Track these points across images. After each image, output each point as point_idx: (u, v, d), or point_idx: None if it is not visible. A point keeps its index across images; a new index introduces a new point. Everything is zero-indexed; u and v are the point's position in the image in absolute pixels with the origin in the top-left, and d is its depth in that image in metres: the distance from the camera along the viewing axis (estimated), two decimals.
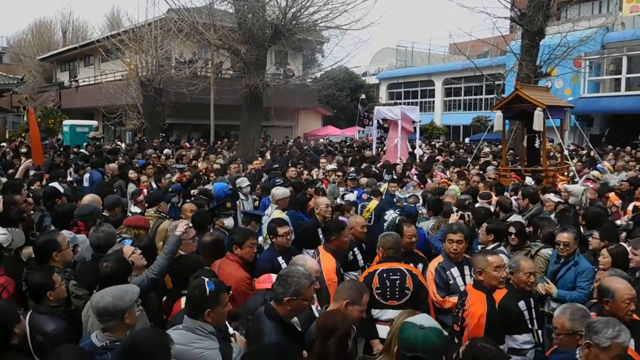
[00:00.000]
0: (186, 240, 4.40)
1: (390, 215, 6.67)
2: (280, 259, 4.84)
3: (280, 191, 6.97)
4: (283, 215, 6.51)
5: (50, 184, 7.71)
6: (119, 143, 21.58)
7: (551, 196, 7.53)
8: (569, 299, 4.63)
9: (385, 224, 6.49)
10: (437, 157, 15.72)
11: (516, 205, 7.53)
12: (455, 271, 4.65)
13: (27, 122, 26.08)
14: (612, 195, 7.80)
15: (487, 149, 18.76)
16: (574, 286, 4.78)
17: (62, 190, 7.15)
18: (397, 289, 4.30)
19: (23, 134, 27.40)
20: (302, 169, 11.50)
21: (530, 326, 4.25)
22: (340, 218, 6.50)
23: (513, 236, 5.54)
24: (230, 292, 3.26)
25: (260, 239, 6.31)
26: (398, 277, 4.34)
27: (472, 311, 3.69)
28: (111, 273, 3.55)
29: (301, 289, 3.20)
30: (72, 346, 2.93)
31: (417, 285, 4.34)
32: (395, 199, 7.65)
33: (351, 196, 7.74)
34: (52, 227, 5.17)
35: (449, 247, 4.71)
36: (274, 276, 3.97)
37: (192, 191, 8.25)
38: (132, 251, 4.10)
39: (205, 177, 10.13)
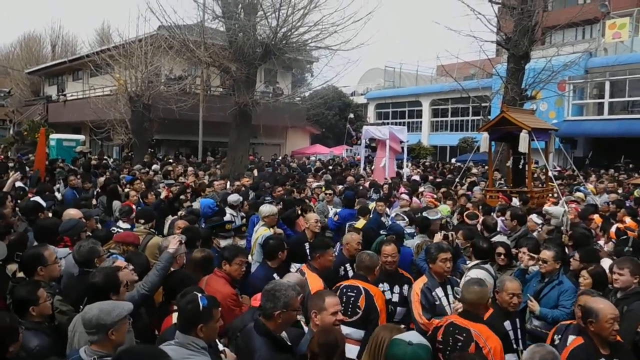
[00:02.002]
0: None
1: None
2: (275, 275, 4.87)
3: (268, 208, 7.00)
4: (269, 232, 6.53)
5: (33, 199, 7.66)
6: (106, 158, 21.46)
7: (534, 217, 7.65)
8: (551, 317, 4.69)
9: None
10: (429, 177, 15.88)
11: (502, 226, 7.63)
12: (440, 291, 4.65)
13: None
14: (596, 217, 7.94)
15: (475, 170, 18.97)
16: (557, 305, 4.83)
17: (44, 204, 7.10)
18: (350, 306, 4.35)
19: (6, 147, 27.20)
20: (290, 187, 11.53)
21: (515, 346, 4.30)
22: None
23: (502, 256, 5.60)
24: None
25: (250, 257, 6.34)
26: (354, 294, 4.40)
27: (493, 347, 3.58)
28: (98, 286, 3.52)
29: (290, 300, 3.28)
30: None
31: (369, 306, 4.34)
32: (383, 219, 7.71)
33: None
34: (35, 242, 5.11)
35: (443, 267, 4.69)
36: None
37: (180, 212, 8.23)
38: (124, 266, 4.08)
39: (192, 194, 10.09)
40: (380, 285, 4.93)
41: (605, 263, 5.82)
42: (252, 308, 3.91)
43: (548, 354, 3.14)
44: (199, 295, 3.12)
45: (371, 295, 4.42)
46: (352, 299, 4.39)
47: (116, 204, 8.89)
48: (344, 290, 4.49)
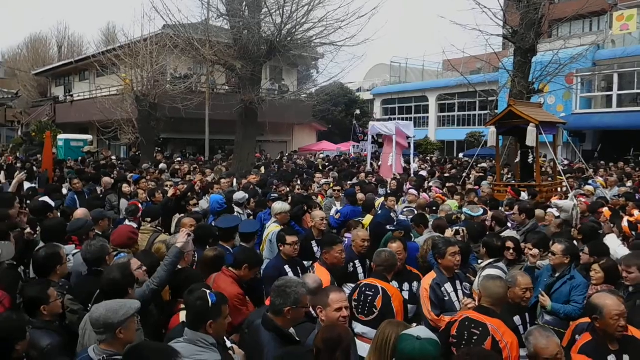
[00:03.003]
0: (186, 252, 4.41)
1: None
2: (287, 267, 4.93)
3: (280, 206, 7.01)
4: (279, 229, 6.52)
5: (41, 199, 7.70)
6: (112, 158, 21.56)
7: (553, 211, 7.61)
8: (563, 312, 4.65)
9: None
10: (436, 172, 15.84)
11: (510, 221, 7.59)
12: (449, 287, 4.60)
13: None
14: (605, 210, 7.86)
15: (485, 164, 18.88)
16: (569, 300, 4.79)
17: (53, 204, 7.13)
18: (367, 305, 4.31)
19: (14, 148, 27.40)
20: (297, 183, 11.53)
21: (525, 341, 4.27)
22: (347, 235, 6.52)
23: (512, 251, 5.57)
24: None
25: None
26: (371, 294, 4.36)
27: (510, 342, 3.55)
28: (113, 284, 3.52)
29: (300, 297, 3.29)
30: None
31: (385, 306, 4.29)
32: (392, 214, 7.67)
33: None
34: (41, 242, 5.14)
35: (452, 261, 4.64)
36: None
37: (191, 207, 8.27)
38: (138, 266, 4.08)
39: (199, 193, 10.12)
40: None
41: (610, 240, 5.80)
42: (264, 306, 3.90)
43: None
44: (208, 291, 3.12)
45: (389, 296, 4.36)
46: (370, 298, 4.34)
47: (123, 203, 8.94)
48: (363, 288, 4.44)
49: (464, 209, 7.88)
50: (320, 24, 16.60)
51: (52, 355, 3.30)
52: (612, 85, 26.64)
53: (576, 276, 4.92)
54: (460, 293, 4.58)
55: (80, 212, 6.18)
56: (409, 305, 4.93)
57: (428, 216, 8.12)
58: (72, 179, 9.99)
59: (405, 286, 5.05)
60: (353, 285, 5.22)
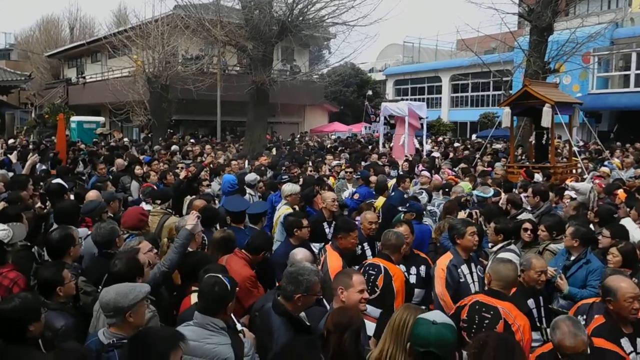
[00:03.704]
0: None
1: None
2: None
3: (290, 187, 6.99)
4: (290, 210, 6.51)
5: (55, 181, 7.76)
6: (125, 140, 21.64)
7: (571, 193, 7.51)
8: (580, 297, 4.59)
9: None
10: (449, 154, 15.70)
11: (525, 203, 7.50)
12: (465, 268, 4.56)
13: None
14: (620, 192, 7.73)
15: (498, 145, 18.68)
16: (585, 285, 4.72)
17: (67, 186, 7.18)
18: (369, 284, 4.28)
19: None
20: (309, 165, 11.49)
21: (538, 324, 4.24)
22: (357, 218, 6.48)
23: (529, 232, 5.50)
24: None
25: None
26: (374, 273, 4.36)
27: (522, 324, 3.52)
28: (119, 273, 3.51)
29: (312, 285, 3.28)
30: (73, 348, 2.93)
31: (386, 286, 4.28)
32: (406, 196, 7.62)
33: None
34: (54, 224, 5.17)
35: (472, 240, 4.58)
36: None
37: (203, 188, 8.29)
38: (149, 248, 4.08)
39: (210, 174, 10.13)
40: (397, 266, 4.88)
41: (626, 223, 5.72)
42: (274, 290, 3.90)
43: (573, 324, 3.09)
44: (221, 276, 3.12)
45: (390, 275, 4.37)
46: (372, 277, 4.35)
47: (134, 185, 8.98)
48: (367, 268, 4.46)
49: (475, 191, 7.79)
50: (332, 3, 16.44)
51: (66, 336, 3.32)
52: (630, 65, 26.06)
53: (592, 260, 4.85)
54: (475, 275, 4.55)
55: (93, 194, 6.20)
56: (417, 290, 4.90)
57: (441, 197, 8.08)
58: (97, 163, 9.91)
59: (413, 270, 5.01)
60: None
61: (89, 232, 4.88)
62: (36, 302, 3.07)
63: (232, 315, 3.30)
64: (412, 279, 4.96)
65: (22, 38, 46.43)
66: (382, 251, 4.66)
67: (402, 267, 4.89)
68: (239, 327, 3.27)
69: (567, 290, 4.70)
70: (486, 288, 3.89)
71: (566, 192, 7.73)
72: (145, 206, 6.81)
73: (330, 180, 9.66)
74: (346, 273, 3.54)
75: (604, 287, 3.61)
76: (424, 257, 5.23)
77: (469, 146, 19.71)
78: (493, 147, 17.75)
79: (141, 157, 12.29)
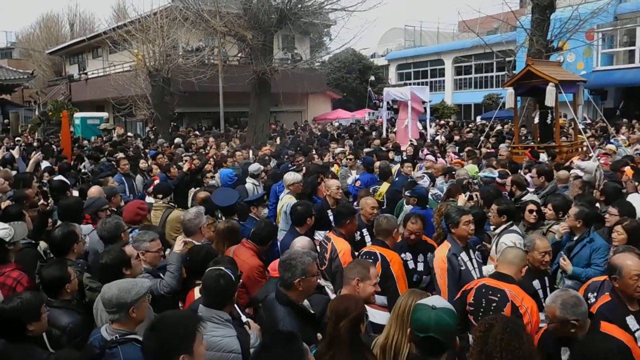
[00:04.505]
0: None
1: None
2: None
3: (292, 176, 6.96)
4: (294, 200, 6.49)
5: (56, 177, 7.76)
6: (129, 135, 21.66)
7: (577, 172, 7.44)
8: (585, 276, 4.56)
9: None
10: (454, 137, 15.63)
11: (531, 183, 7.45)
12: (464, 256, 4.48)
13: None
14: (627, 169, 7.66)
15: (499, 127, 18.57)
16: (589, 263, 4.69)
17: (69, 182, 7.19)
18: None
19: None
20: (314, 154, 11.46)
21: (544, 305, 4.22)
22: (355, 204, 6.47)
23: (535, 213, 5.46)
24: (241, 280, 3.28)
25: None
26: (371, 261, 4.28)
27: (530, 307, 3.50)
28: (105, 265, 3.53)
29: (307, 267, 3.28)
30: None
31: (384, 273, 4.25)
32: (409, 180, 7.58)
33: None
34: (58, 221, 5.18)
35: (467, 229, 4.50)
36: None
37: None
38: (158, 249, 4.07)
39: (214, 166, 10.12)
40: (403, 255, 4.85)
41: (634, 199, 5.65)
42: (273, 279, 3.90)
43: (570, 298, 3.07)
44: (224, 268, 3.13)
45: (387, 261, 4.36)
46: None
47: (139, 179, 8.99)
48: (364, 256, 4.45)
49: (482, 173, 7.74)
50: None
51: (73, 334, 3.35)
52: (635, 40, 25.74)
53: (595, 238, 4.81)
54: (474, 262, 4.49)
55: (94, 190, 6.19)
56: (425, 277, 4.88)
57: (446, 181, 8.04)
58: (121, 159, 9.83)
59: (420, 257, 4.97)
60: None
61: (93, 229, 4.90)
62: (36, 302, 3.05)
63: (236, 306, 3.31)
64: (420, 267, 4.94)
65: (23, 36, 46.46)
66: (376, 237, 4.66)
67: (409, 255, 4.92)
68: (244, 318, 3.28)
69: (571, 270, 4.66)
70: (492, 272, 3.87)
71: (572, 171, 7.66)
72: (147, 199, 6.83)
73: (335, 168, 9.64)
74: (363, 264, 3.53)
75: (610, 264, 3.59)
76: (431, 243, 5.19)
77: (473, 129, 19.57)
78: (496, 129, 17.65)
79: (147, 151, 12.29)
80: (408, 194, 6.33)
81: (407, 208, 6.47)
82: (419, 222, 4.94)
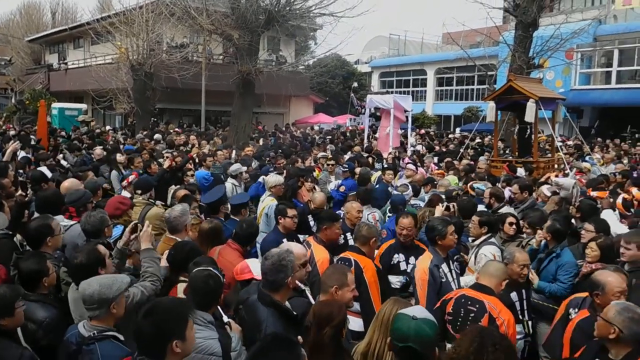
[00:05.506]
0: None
1: None
2: (285, 241, 4.88)
3: (274, 178, 6.95)
4: (275, 202, 6.48)
5: (38, 169, 7.60)
6: (108, 128, 21.33)
7: (544, 189, 7.58)
8: (548, 291, 4.63)
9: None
10: (434, 147, 15.77)
11: (508, 196, 7.57)
12: (445, 267, 4.48)
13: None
14: (598, 193, 7.77)
15: (479, 140, 18.82)
16: (555, 278, 4.72)
17: (49, 175, 7.05)
18: None
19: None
20: (295, 157, 11.46)
21: (520, 317, 4.30)
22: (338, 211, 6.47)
23: (514, 226, 5.55)
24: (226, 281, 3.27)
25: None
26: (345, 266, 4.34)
27: (507, 319, 3.54)
28: (80, 265, 3.41)
29: (294, 264, 3.34)
30: None
31: (357, 279, 4.11)
32: (390, 189, 7.64)
33: None
34: (35, 213, 5.08)
35: (453, 239, 4.51)
36: (250, 262, 3.99)
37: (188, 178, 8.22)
38: (109, 254, 3.75)
39: (195, 164, 10.04)
40: (396, 256, 4.89)
41: (607, 215, 5.78)
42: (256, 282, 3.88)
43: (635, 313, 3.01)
44: (212, 269, 3.12)
45: (360, 268, 4.38)
46: None
47: (114, 174, 8.87)
48: (338, 262, 4.46)
49: (475, 185, 7.82)
50: None
51: (50, 328, 3.28)
52: (612, 62, 26.40)
53: (563, 255, 4.81)
54: (453, 273, 4.51)
55: (69, 183, 6.04)
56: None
57: (429, 192, 8.11)
58: (134, 157, 9.63)
59: (411, 260, 4.97)
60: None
61: (72, 222, 4.81)
62: (10, 296, 2.96)
63: (218, 307, 3.29)
64: (410, 269, 4.91)
65: (2, 22, 45.48)
66: (353, 244, 4.69)
67: (402, 257, 4.97)
68: (225, 319, 3.26)
69: (536, 284, 4.72)
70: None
71: (546, 186, 7.79)
72: (123, 193, 6.73)
73: (316, 172, 9.66)
74: (342, 271, 3.54)
75: (592, 281, 3.65)
76: (423, 247, 5.17)
77: (452, 140, 19.78)
78: (476, 141, 17.88)
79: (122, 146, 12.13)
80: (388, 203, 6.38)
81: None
82: (410, 217, 4.99)
